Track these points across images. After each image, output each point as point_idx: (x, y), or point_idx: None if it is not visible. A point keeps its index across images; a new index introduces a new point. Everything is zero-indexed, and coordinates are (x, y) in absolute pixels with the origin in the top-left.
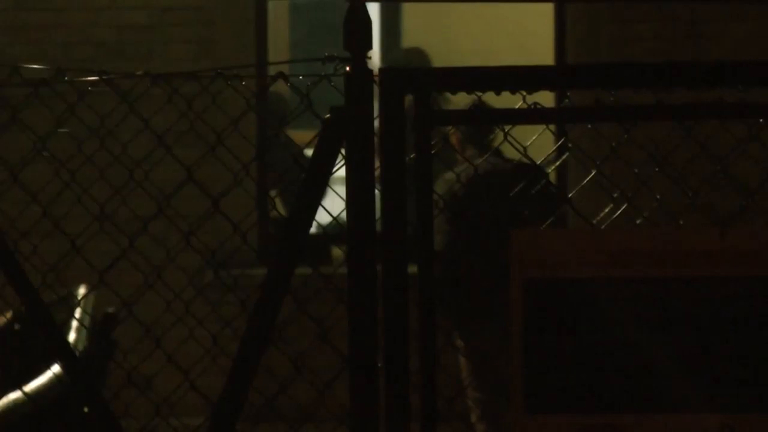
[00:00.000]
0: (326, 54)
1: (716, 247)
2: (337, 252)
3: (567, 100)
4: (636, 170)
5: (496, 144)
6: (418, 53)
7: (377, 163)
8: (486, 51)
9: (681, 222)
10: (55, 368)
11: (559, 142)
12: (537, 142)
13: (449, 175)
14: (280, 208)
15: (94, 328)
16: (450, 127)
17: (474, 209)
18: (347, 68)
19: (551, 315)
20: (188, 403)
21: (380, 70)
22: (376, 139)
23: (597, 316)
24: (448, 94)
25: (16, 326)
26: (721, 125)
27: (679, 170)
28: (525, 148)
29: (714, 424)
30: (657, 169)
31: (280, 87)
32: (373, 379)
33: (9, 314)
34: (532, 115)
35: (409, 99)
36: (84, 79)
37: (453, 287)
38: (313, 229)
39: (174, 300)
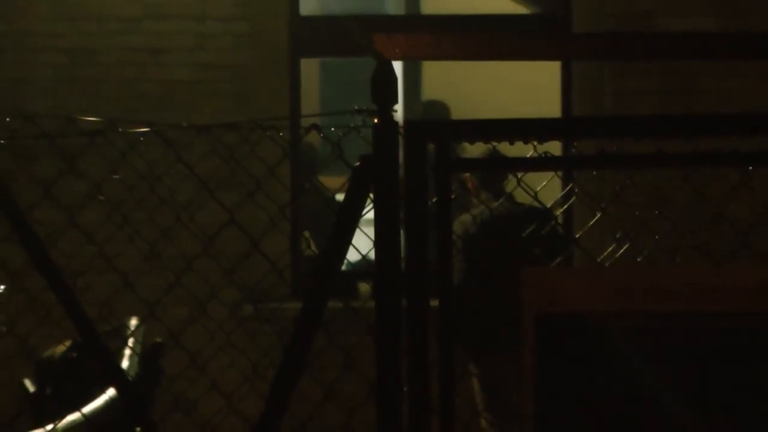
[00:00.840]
0: (355, 107)
1: (713, 285)
2: (364, 287)
3: (574, 149)
4: (637, 213)
5: (508, 189)
6: (438, 105)
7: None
8: (498, 103)
9: (679, 260)
10: (110, 392)
11: (567, 188)
12: (546, 187)
13: (466, 217)
14: (313, 247)
15: (144, 356)
16: (467, 174)
17: (488, 249)
18: (374, 120)
19: (561, 347)
20: (229, 425)
21: (404, 122)
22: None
23: (604, 348)
24: (465, 144)
25: (74, 354)
26: (716, 172)
27: (677, 213)
28: (536, 193)
29: None
30: (657, 212)
31: (312, 137)
32: (397, 403)
33: (68, 343)
34: (542, 163)
35: (430, 148)
36: (135, 130)
37: (469, 320)
38: (342, 267)
39: (216, 331)
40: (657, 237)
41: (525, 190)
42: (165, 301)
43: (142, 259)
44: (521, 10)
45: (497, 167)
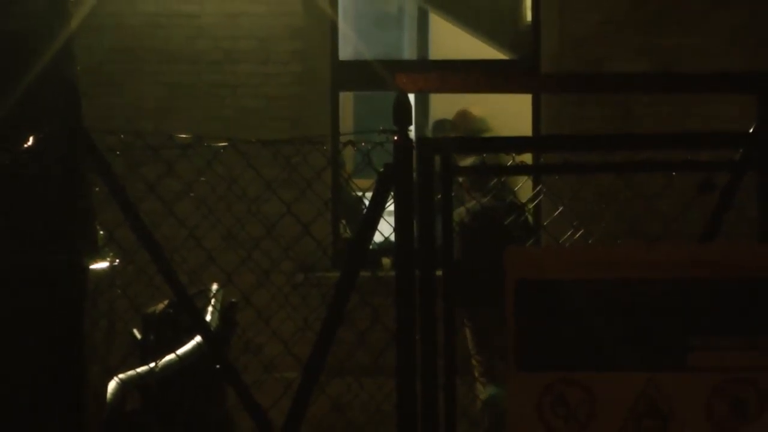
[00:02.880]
0: (380, 128)
1: (645, 259)
2: (386, 261)
3: (542, 159)
4: (589, 207)
5: (493, 188)
6: (447, 122)
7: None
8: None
9: (619, 242)
10: (197, 339)
11: (537, 188)
12: (522, 187)
13: (461, 210)
14: (348, 231)
15: (222, 312)
16: (463, 177)
17: (479, 233)
18: (395, 137)
19: (534, 304)
20: (286, 364)
21: (417, 139)
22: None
23: (567, 304)
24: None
25: (171, 311)
26: (648, 176)
27: (619, 207)
28: (514, 191)
29: (643, 378)
30: (604, 206)
31: (347, 151)
32: (412, 347)
33: (166, 302)
34: (518, 169)
35: (437, 158)
36: (217, 144)
37: (464, 286)
38: (370, 245)
39: (277, 293)
40: (603, 224)
41: (507, 189)
42: (238, 271)
43: (222, 240)
44: (503, 56)
45: (486, 172)
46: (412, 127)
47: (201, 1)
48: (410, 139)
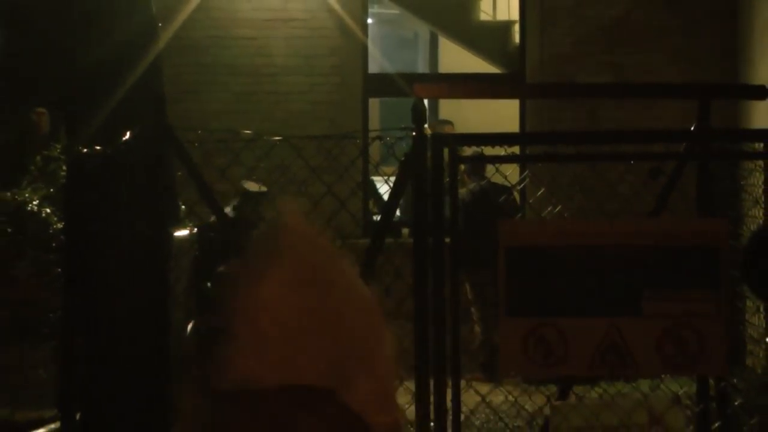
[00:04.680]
0: (402, 126)
1: (608, 230)
2: (405, 230)
3: (527, 151)
4: (565, 188)
5: (488, 174)
6: (446, 122)
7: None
8: (483, 122)
9: (588, 217)
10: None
11: (524, 174)
12: (512, 173)
13: (464, 190)
14: (376, 207)
15: None
16: (464, 165)
17: (477, 209)
18: (413, 133)
19: (521, 266)
20: None
21: (431, 135)
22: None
23: (546, 265)
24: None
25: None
26: (611, 164)
27: (588, 189)
28: (506, 176)
29: (606, 322)
30: (577, 188)
31: (374, 144)
32: (425, 298)
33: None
34: (510, 159)
35: (445, 150)
36: (273, 138)
37: (466, 251)
38: (393, 218)
39: None
40: (575, 203)
41: (500, 174)
42: None
43: None
44: (496, 70)
45: (485, 161)
46: (426, 126)
47: (259, 27)
48: (425, 135)
